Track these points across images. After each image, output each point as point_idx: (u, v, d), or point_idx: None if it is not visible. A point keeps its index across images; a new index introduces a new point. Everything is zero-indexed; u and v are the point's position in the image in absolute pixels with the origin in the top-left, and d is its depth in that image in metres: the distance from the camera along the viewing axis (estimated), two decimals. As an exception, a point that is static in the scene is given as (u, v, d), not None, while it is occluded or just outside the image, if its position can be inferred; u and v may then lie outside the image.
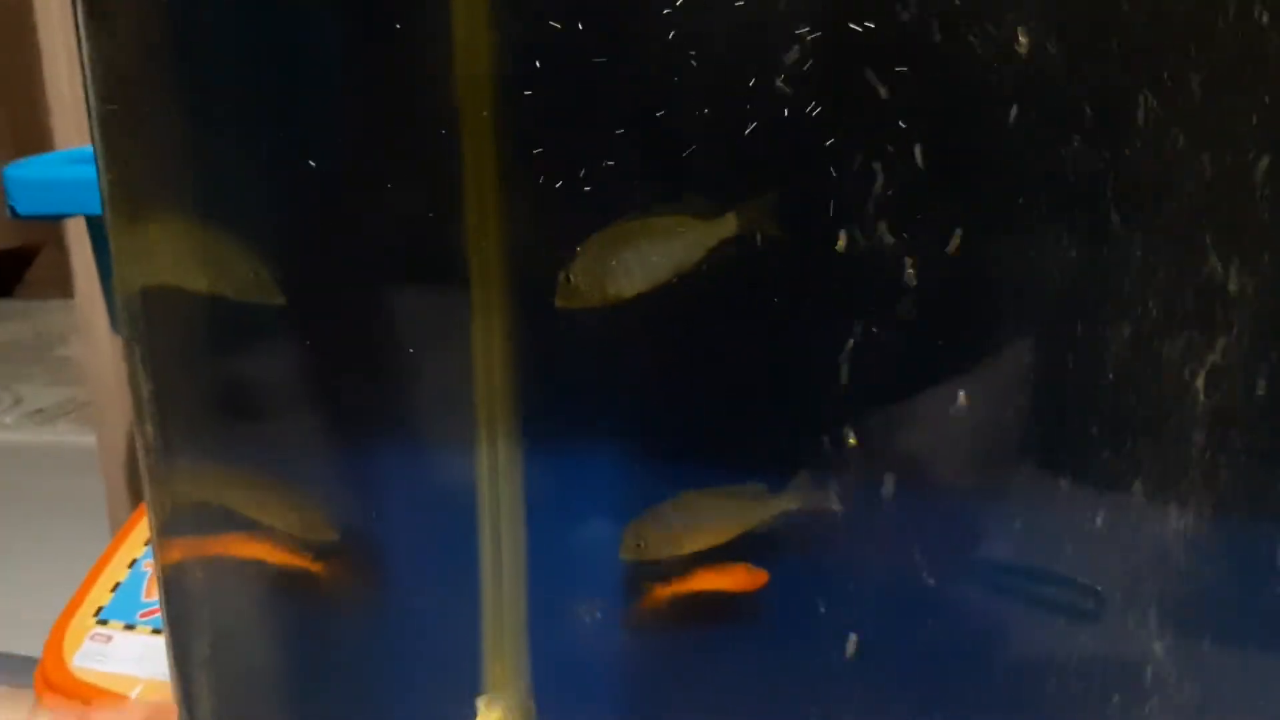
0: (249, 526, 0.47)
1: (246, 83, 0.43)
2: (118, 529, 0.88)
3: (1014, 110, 0.37)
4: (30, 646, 0.76)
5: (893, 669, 0.44)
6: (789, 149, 0.38)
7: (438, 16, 0.39)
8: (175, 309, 0.46)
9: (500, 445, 0.45)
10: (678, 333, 0.42)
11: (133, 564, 0.77)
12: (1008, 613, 0.43)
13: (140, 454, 0.47)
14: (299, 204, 0.44)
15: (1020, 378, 0.41)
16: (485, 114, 0.40)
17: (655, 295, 0.39)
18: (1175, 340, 0.40)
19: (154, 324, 0.46)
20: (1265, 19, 0.37)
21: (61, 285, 1.14)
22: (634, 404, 0.43)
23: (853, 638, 0.43)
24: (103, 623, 0.71)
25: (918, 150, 0.37)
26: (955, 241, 0.38)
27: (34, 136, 1.13)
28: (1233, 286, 0.40)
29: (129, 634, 0.71)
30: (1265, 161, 0.39)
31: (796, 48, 0.37)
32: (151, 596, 0.74)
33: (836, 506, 0.42)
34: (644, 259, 0.38)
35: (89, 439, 1.12)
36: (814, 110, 0.38)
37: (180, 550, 0.49)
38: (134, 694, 0.69)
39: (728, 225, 0.37)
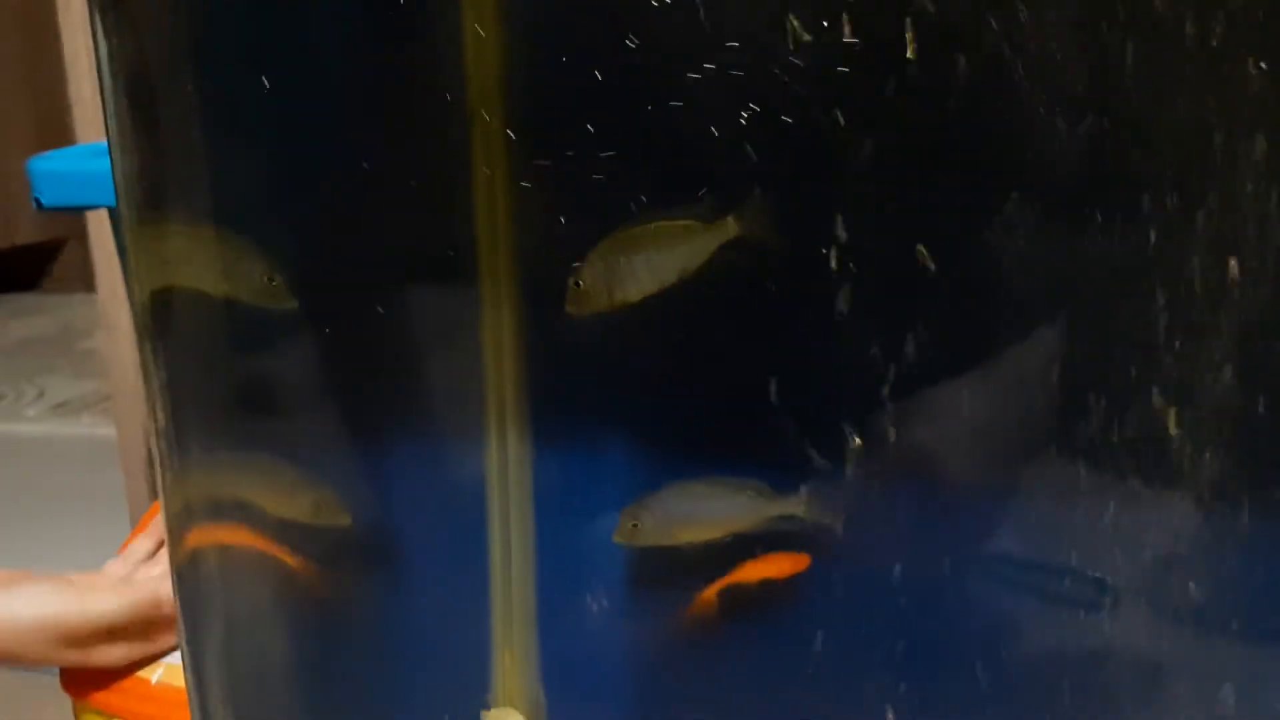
0: (261, 517, 0.47)
1: (258, 83, 0.44)
2: (137, 520, 0.89)
3: (1017, 106, 0.37)
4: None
5: (893, 670, 0.44)
6: (790, 150, 0.39)
7: (448, 15, 0.40)
8: (188, 305, 0.47)
9: (510, 439, 0.46)
10: (684, 331, 0.42)
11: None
12: (1012, 620, 0.43)
13: (153, 445, 0.47)
14: (311, 203, 0.45)
15: (1027, 375, 0.41)
16: (496, 113, 0.41)
17: (662, 295, 0.40)
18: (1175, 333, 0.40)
19: (167, 319, 0.46)
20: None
21: (86, 279, 1.16)
22: (641, 400, 0.44)
23: (853, 637, 0.43)
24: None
25: (919, 151, 0.38)
26: (956, 240, 0.39)
27: (58, 131, 1.14)
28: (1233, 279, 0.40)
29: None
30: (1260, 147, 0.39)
31: (800, 46, 0.37)
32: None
33: (838, 518, 0.42)
34: (650, 263, 0.39)
35: (112, 432, 1.13)
36: (815, 111, 0.38)
37: (192, 541, 0.49)
38: (154, 678, 0.71)
39: (728, 229, 0.38)
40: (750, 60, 0.37)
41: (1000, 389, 0.41)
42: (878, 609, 0.43)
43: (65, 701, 0.73)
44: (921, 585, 0.43)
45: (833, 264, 0.39)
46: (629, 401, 0.44)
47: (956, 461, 0.42)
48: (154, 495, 1.09)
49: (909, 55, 0.36)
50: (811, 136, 0.38)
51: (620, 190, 0.40)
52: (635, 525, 0.43)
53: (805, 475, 0.42)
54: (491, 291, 0.44)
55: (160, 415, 0.46)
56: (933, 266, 0.39)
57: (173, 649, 0.71)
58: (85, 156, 0.73)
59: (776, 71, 0.37)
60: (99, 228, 1.05)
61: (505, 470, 0.46)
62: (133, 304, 0.44)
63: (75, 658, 0.65)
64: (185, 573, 0.49)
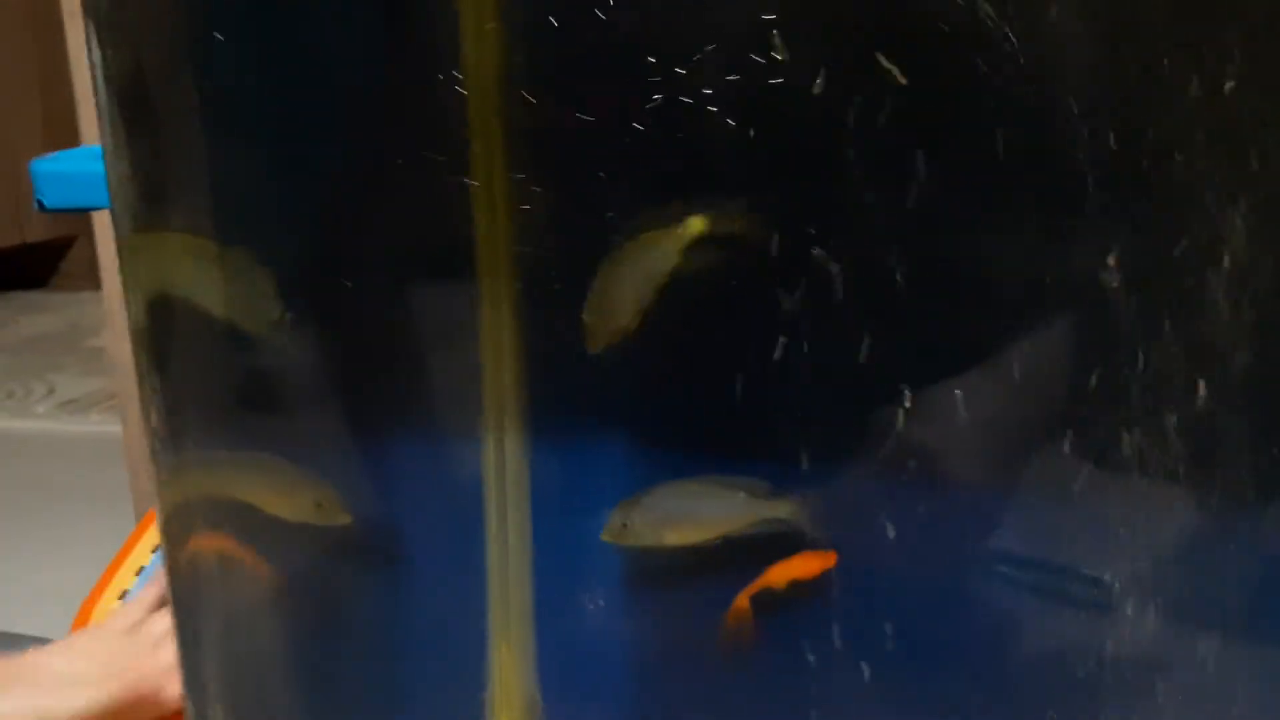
0: (259, 516, 0.48)
1: (253, 85, 0.44)
2: (142, 516, 0.89)
3: (1006, 105, 0.38)
4: (64, 629, 0.77)
5: (888, 670, 0.44)
6: (784, 148, 0.39)
7: (446, 14, 0.40)
8: (184, 308, 0.47)
9: (507, 437, 0.46)
10: (678, 334, 0.42)
11: (156, 549, 0.79)
12: (1006, 620, 0.43)
13: (148, 443, 0.48)
14: (307, 203, 0.45)
15: (1018, 376, 0.41)
16: (494, 111, 0.41)
17: (660, 298, 0.40)
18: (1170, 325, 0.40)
19: (162, 321, 0.46)
20: None
21: (94, 278, 1.16)
22: (636, 400, 0.44)
23: (848, 637, 0.43)
24: (128, 604, 0.72)
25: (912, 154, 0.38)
26: (945, 243, 0.39)
27: (66, 131, 1.14)
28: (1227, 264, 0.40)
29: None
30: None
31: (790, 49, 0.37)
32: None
33: (827, 522, 0.42)
34: (636, 281, 0.40)
35: (118, 429, 1.13)
36: (807, 111, 0.38)
37: (188, 540, 0.49)
38: None
39: (693, 227, 0.39)
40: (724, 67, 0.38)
41: (991, 390, 0.41)
42: (871, 610, 0.43)
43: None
44: (913, 585, 0.43)
45: (820, 267, 0.39)
46: (624, 401, 0.44)
47: (947, 464, 0.42)
48: (160, 492, 1.09)
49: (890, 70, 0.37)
50: (790, 142, 0.38)
51: (615, 183, 0.41)
52: (625, 524, 0.44)
53: (795, 479, 0.42)
54: (490, 291, 0.44)
55: (155, 415, 0.46)
56: (921, 269, 0.39)
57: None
58: (87, 158, 0.73)
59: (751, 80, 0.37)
60: (105, 227, 1.05)
61: (503, 468, 0.46)
62: (128, 305, 0.45)
63: None
64: (181, 572, 0.49)
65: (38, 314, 2.37)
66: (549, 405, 0.46)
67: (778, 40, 0.37)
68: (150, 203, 0.44)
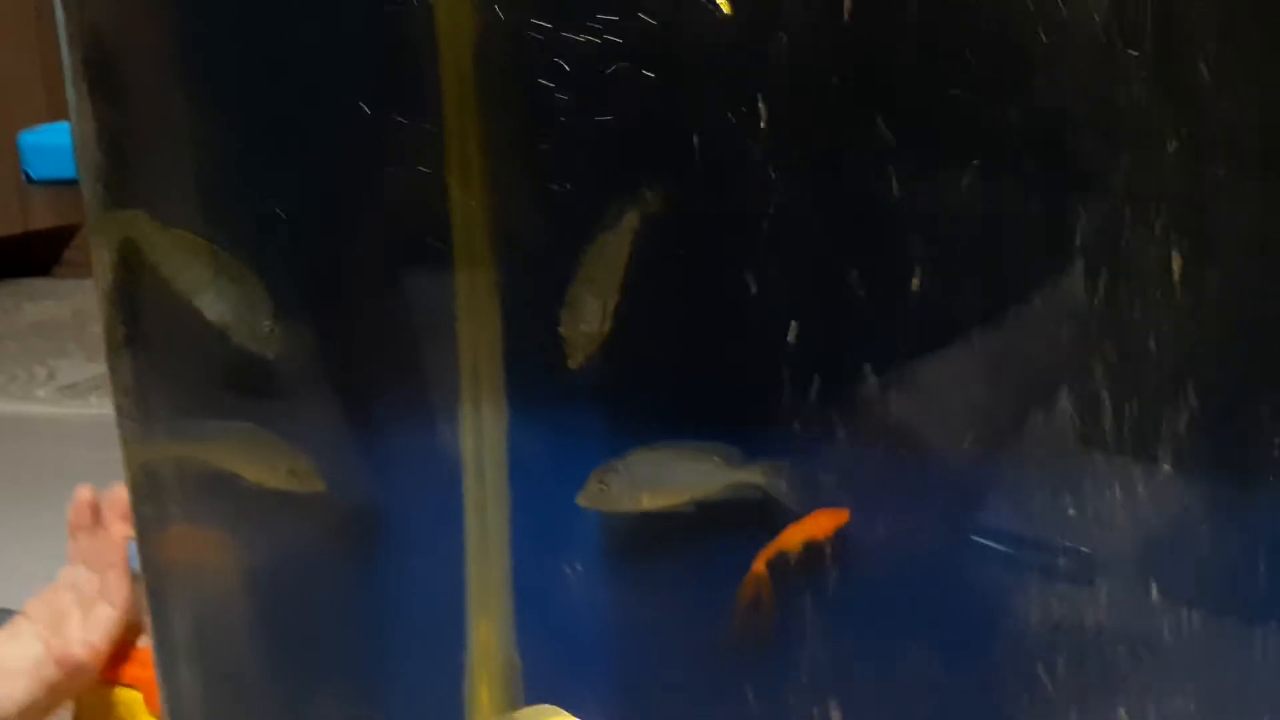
0: (234, 485, 0.48)
1: (231, 71, 0.44)
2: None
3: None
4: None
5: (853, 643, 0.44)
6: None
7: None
8: (155, 281, 0.47)
9: (484, 407, 0.46)
10: (651, 303, 0.42)
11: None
12: (972, 593, 0.43)
13: (116, 416, 0.48)
14: (280, 176, 0.45)
15: (988, 352, 0.41)
16: (466, 84, 0.41)
17: (623, 296, 0.41)
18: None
19: (133, 292, 0.46)
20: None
21: (93, 262, 1.16)
22: (612, 368, 0.44)
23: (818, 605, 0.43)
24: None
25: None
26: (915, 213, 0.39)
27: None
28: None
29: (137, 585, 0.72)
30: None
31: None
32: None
33: (796, 487, 0.43)
34: (602, 279, 0.41)
35: (115, 411, 1.13)
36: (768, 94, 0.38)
37: (159, 510, 0.49)
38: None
39: (633, 220, 0.40)
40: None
41: (962, 366, 0.41)
42: (843, 578, 0.43)
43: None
44: (882, 555, 0.43)
45: (783, 236, 0.39)
46: (601, 370, 0.44)
47: (916, 435, 0.42)
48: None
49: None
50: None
51: (587, 163, 0.41)
52: (602, 488, 0.44)
53: (765, 446, 0.42)
54: (466, 260, 0.44)
55: (126, 378, 0.46)
56: (888, 241, 0.39)
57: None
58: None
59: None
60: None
61: (480, 437, 0.46)
62: (98, 277, 0.45)
63: None
64: (152, 544, 0.49)
65: (41, 300, 2.37)
66: (524, 374, 0.46)
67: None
68: (119, 170, 0.44)
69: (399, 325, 0.47)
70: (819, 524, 0.43)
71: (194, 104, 0.45)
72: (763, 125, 0.39)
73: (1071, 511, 0.42)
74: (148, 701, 0.61)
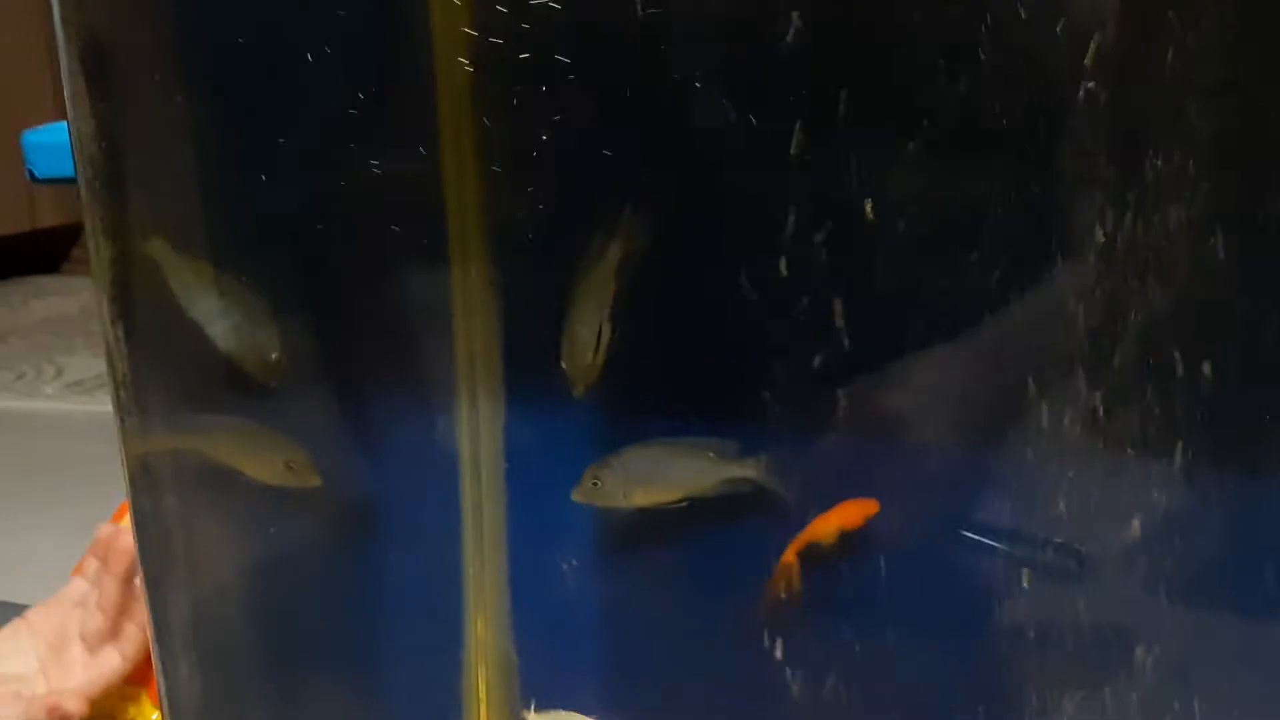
0: (232, 479, 0.48)
1: (223, 65, 0.44)
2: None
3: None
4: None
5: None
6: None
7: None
8: (152, 275, 0.47)
9: (480, 403, 0.46)
10: (645, 299, 0.43)
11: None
12: (965, 588, 0.43)
13: (114, 412, 0.48)
14: (277, 167, 0.45)
15: (978, 345, 0.41)
16: (462, 73, 0.41)
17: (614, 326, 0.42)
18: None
19: (131, 285, 0.46)
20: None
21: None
22: (611, 366, 0.44)
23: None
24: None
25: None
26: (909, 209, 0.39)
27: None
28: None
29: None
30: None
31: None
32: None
33: (790, 483, 0.43)
34: (593, 310, 0.42)
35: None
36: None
37: (157, 503, 0.49)
38: None
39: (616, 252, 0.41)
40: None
41: (953, 359, 0.41)
42: (837, 574, 0.44)
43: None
44: (875, 548, 0.43)
45: (783, 234, 0.39)
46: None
47: (909, 429, 0.42)
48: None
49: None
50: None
51: (580, 157, 0.41)
52: (596, 483, 0.44)
53: (760, 441, 0.43)
54: (461, 253, 0.44)
55: (121, 369, 0.46)
56: (883, 234, 0.39)
57: None
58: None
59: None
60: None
61: (476, 434, 0.46)
62: (95, 272, 0.45)
63: None
64: (149, 536, 0.49)
65: (49, 298, 2.38)
66: (520, 369, 0.46)
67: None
68: (117, 166, 0.45)
69: (395, 322, 0.47)
70: (849, 514, 0.43)
71: (186, 98, 0.45)
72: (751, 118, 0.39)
73: (1062, 507, 0.42)
74: (150, 695, 0.61)
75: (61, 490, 1.34)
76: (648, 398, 0.45)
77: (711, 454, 0.43)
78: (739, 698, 0.46)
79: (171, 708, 0.49)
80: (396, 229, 0.45)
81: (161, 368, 0.48)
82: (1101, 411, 0.40)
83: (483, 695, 0.49)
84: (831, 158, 0.39)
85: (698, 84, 0.39)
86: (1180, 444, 0.42)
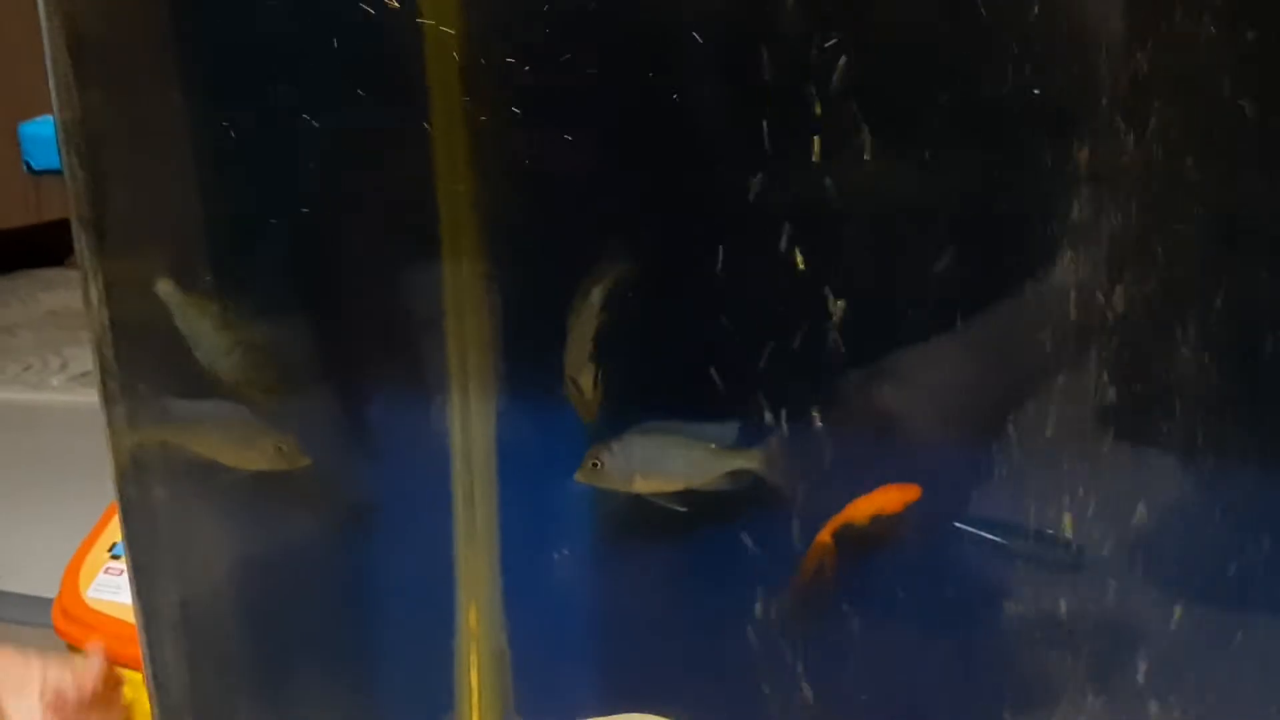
0: (220, 469, 0.48)
1: (214, 62, 0.44)
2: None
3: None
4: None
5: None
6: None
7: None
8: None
9: (473, 394, 0.46)
10: (643, 293, 0.43)
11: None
12: (968, 582, 0.43)
13: (100, 402, 0.48)
14: (270, 162, 0.45)
15: (978, 340, 0.41)
16: (454, 64, 0.41)
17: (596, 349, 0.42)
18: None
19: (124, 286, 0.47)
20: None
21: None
22: (604, 354, 0.44)
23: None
24: (115, 557, 0.72)
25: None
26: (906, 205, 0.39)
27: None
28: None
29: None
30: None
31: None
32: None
33: (792, 475, 0.43)
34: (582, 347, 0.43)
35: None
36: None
37: (144, 495, 0.49)
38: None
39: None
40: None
41: (954, 354, 0.41)
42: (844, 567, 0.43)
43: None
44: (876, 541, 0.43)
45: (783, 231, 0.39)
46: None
47: (910, 422, 0.42)
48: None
49: None
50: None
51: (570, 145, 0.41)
52: (597, 464, 0.44)
53: (762, 432, 0.42)
54: (453, 246, 0.44)
55: (107, 357, 0.47)
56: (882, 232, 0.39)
57: None
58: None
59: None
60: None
61: (468, 424, 0.46)
62: (81, 264, 0.45)
63: None
64: (137, 527, 0.49)
65: (55, 290, 2.38)
66: (513, 359, 0.46)
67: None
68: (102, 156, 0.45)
69: (388, 315, 0.47)
70: (888, 498, 0.42)
71: (178, 95, 0.45)
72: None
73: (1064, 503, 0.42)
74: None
75: (68, 482, 1.34)
76: (642, 390, 0.45)
77: (712, 445, 0.43)
78: (730, 687, 0.46)
79: (160, 696, 0.49)
80: (389, 224, 0.45)
81: (152, 360, 0.48)
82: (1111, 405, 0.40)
83: (475, 684, 0.49)
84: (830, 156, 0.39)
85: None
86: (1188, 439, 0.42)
